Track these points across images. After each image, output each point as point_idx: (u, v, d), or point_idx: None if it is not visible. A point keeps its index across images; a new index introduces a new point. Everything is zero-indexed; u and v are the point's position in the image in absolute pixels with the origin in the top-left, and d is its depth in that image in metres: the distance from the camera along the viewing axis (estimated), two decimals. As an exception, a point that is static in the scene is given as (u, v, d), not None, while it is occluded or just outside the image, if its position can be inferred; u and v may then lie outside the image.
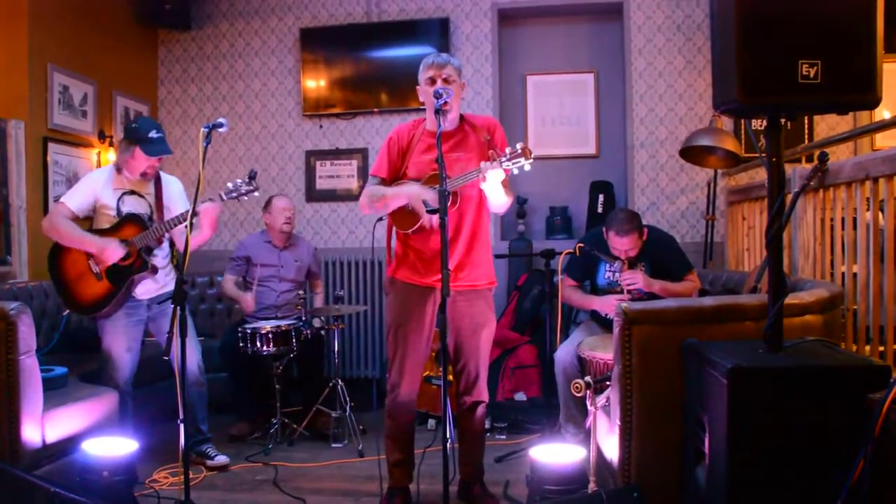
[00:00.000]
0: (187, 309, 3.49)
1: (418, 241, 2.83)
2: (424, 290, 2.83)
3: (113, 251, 3.22)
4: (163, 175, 3.50)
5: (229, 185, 3.29)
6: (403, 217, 2.82)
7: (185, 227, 2.77)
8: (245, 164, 5.46)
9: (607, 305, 3.39)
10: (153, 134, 3.27)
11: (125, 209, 3.34)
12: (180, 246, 3.43)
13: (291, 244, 4.42)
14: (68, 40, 4.56)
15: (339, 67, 5.29)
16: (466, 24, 5.23)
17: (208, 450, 3.53)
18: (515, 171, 2.57)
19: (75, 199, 3.32)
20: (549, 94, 5.30)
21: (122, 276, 3.25)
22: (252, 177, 3.26)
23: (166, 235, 3.34)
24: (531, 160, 2.55)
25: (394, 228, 2.92)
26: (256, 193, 3.28)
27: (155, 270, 3.34)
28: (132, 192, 3.38)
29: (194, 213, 3.14)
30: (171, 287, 3.43)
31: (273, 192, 5.33)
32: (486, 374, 2.94)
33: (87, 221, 3.39)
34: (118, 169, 3.37)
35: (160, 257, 3.41)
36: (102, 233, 3.30)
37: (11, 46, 4.18)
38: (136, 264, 3.26)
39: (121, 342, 3.33)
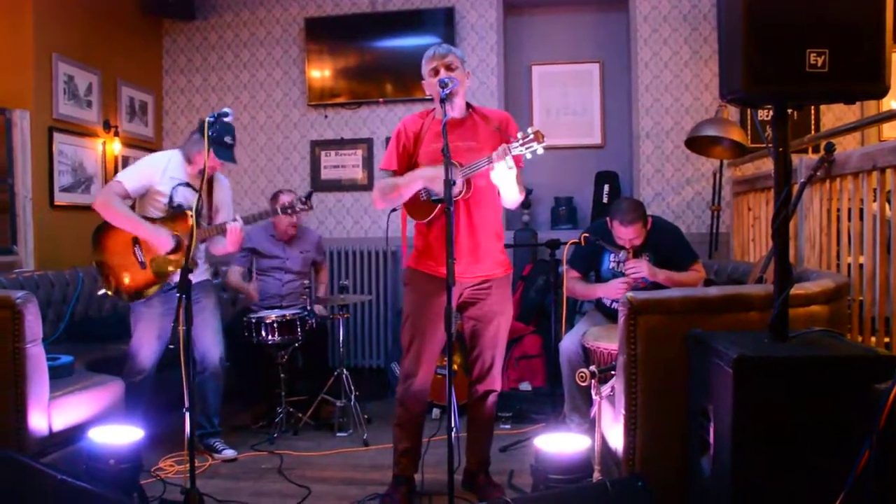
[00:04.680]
0: (215, 303, 3.56)
1: (436, 231, 2.83)
2: (443, 280, 2.82)
3: (164, 241, 3.22)
4: (217, 173, 3.50)
5: (283, 198, 3.48)
6: (418, 208, 2.82)
7: (192, 215, 2.78)
8: (249, 154, 5.46)
9: (611, 290, 3.38)
10: (228, 139, 3.28)
11: (178, 200, 3.33)
12: (214, 250, 3.51)
13: (297, 237, 4.40)
14: (73, 30, 4.56)
15: (344, 57, 5.27)
16: (472, 14, 5.21)
17: (216, 443, 3.54)
18: (528, 156, 2.57)
19: (132, 180, 3.28)
20: (554, 84, 5.28)
21: (165, 271, 3.26)
22: (308, 196, 3.34)
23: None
24: (543, 143, 2.55)
25: (408, 218, 2.91)
26: (310, 212, 3.40)
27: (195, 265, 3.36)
28: (187, 185, 3.38)
29: (223, 228, 3.29)
30: (202, 277, 3.50)
31: (278, 183, 5.34)
32: (501, 362, 2.94)
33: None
34: (187, 159, 3.37)
35: (199, 249, 3.45)
36: (153, 221, 3.28)
37: (16, 36, 4.18)
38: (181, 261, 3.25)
39: (154, 329, 3.34)
